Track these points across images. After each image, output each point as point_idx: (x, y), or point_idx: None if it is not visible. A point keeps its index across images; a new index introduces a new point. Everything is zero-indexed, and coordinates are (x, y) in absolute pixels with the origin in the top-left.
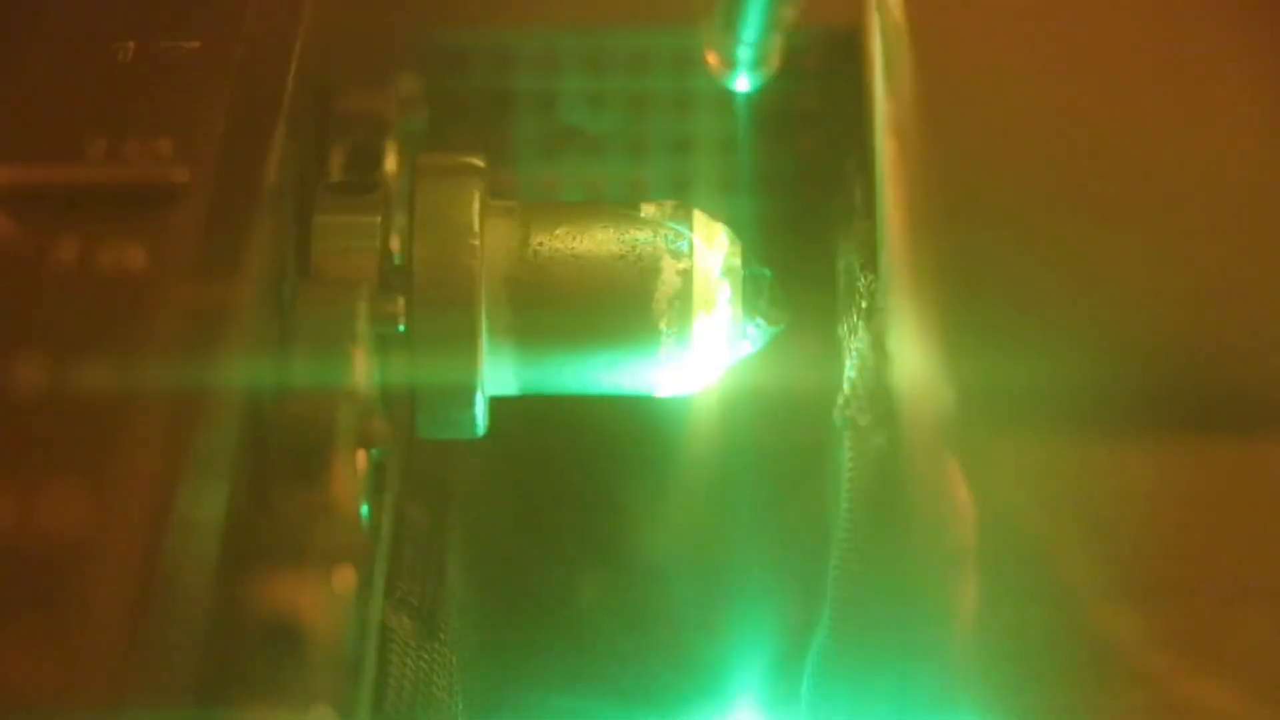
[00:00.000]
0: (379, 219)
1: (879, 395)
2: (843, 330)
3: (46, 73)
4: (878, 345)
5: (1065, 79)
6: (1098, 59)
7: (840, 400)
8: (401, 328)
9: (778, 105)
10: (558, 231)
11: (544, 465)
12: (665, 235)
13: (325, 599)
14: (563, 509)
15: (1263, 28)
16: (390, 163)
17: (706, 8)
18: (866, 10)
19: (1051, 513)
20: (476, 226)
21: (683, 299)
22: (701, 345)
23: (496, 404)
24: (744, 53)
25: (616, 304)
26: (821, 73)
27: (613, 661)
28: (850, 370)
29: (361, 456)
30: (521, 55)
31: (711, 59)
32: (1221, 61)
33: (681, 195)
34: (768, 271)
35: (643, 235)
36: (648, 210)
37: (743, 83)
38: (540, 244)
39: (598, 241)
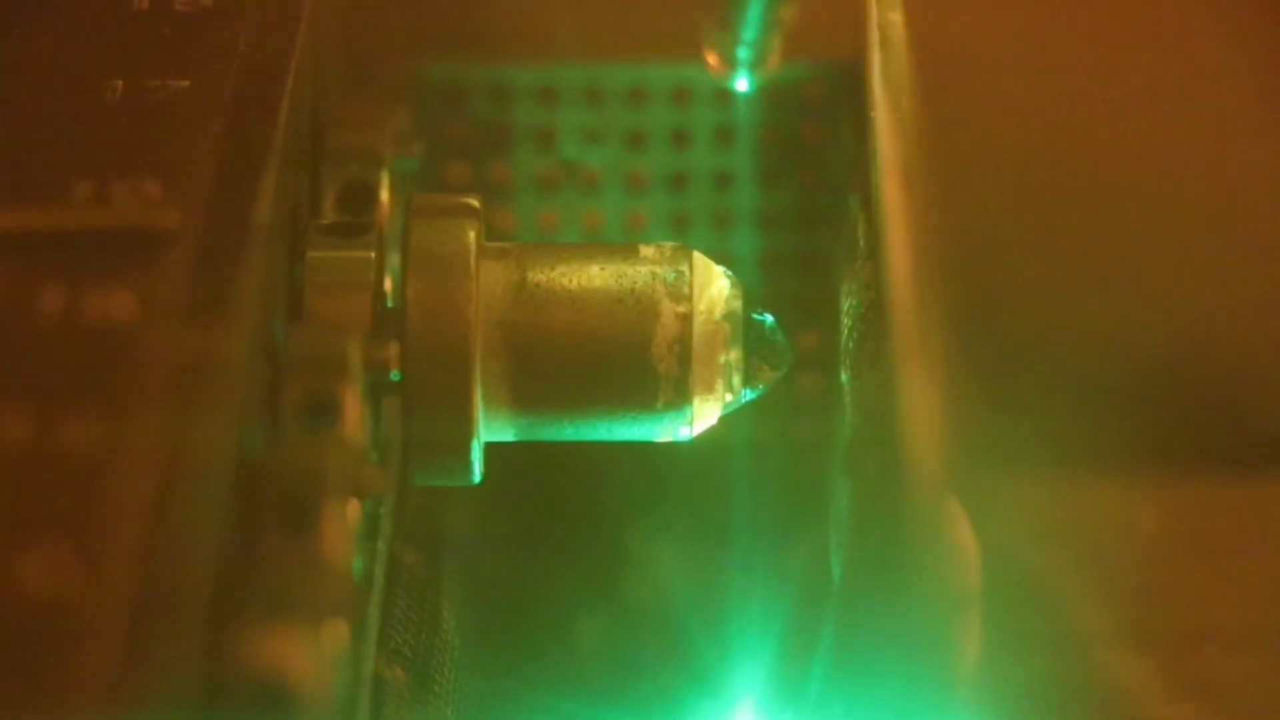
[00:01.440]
0: (372, 258)
1: (882, 438)
2: (845, 372)
3: (31, 112)
4: (881, 387)
5: (1071, 117)
6: (1102, 94)
7: (843, 443)
8: (395, 374)
9: (779, 142)
10: (554, 273)
11: (541, 511)
12: (664, 277)
13: (316, 655)
14: (560, 555)
15: (1263, 29)
16: (384, 201)
17: (706, 7)
18: (869, 46)
19: (1057, 556)
20: (472, 268)
21: (682, 342)
22: (701, 389)
23: (492, 449)
24: (743, 52)
25: (614, 348)
26: (824, 109)
27: (611, 708)
28: (853, 413)
29: (353, 505)
30: (517, 91)
31: (711, 59)
32: (1220, 78)
33: (681, 233)
34: (769, 315)
35: (641, 277)
36: (646, 252)
37: (742, 83)
38: (537, 286)
39: (595, 283)
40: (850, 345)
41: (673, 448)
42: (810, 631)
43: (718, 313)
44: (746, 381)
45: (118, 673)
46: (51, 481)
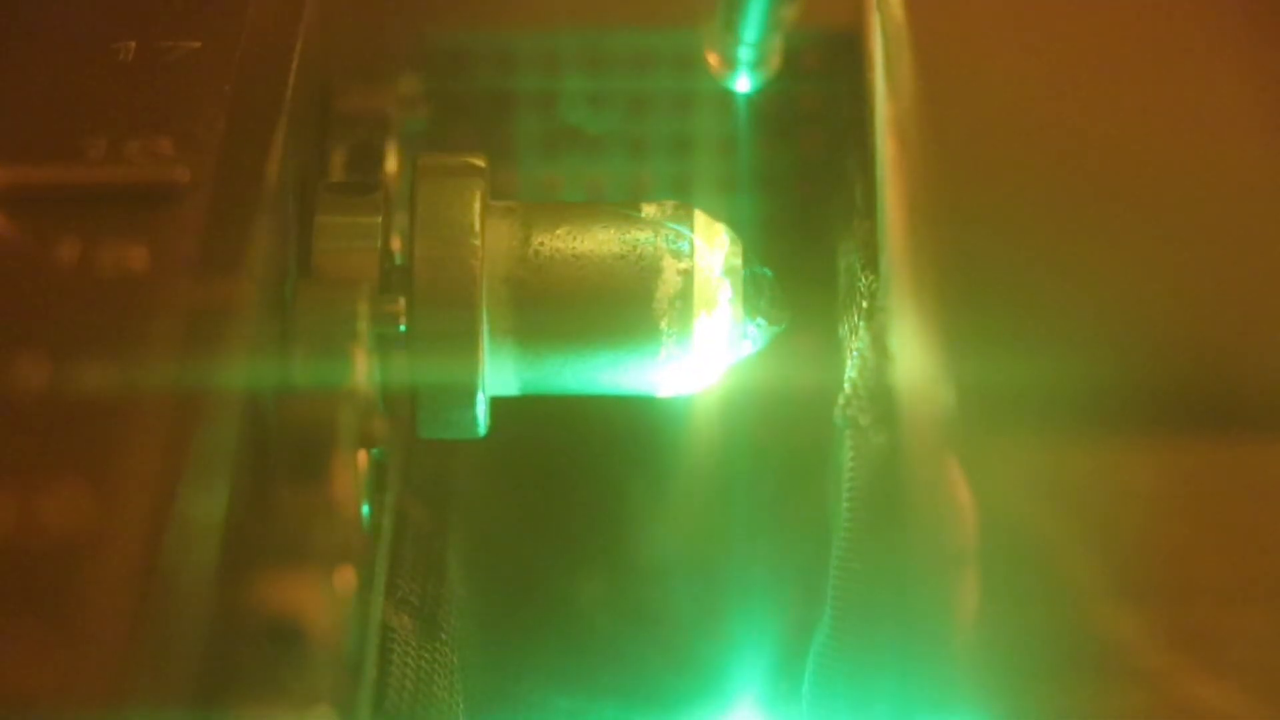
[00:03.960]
0: (380, 219)
1: (880, 395)
2: (843, 330)
3: (47, 72)
4: (878, 345)
5: (1066, 79)
6: (1098, 59)
7: (841, 400)
8: (402, 328)
9: (778, 105)
10: (559, 232)
11: (545, 464)
12: (666, 235)
13: (326, 599)
14: (564, 508)
15: (1263, 28)
16: (391, 162)
17: (707, 7)
18: (867, 10)
19: (1053, 512)
20: (477, 227)
21: (684, 299)
22: (702, 345)
23: (498, 403)
24: (745, 53)
25: (617, 304)
26: (822, 73)
27: (614, 661)
28: (851, 370)
29: (362, 456)
30: (522, 55)
31: (712, 59)
32: (1221, 61)
33: (682, 195)
34: (768, 271)
35: (644, 235)
36: (648, 210)
37: (743, 83)
38: (541, 244)
39: (599, 242)
40: (848, 303)
41: (675, 403)
42: (809, 587)
43: (718, 269)
44: (746, 337)
45: (133, 613)
46: (68, 428)
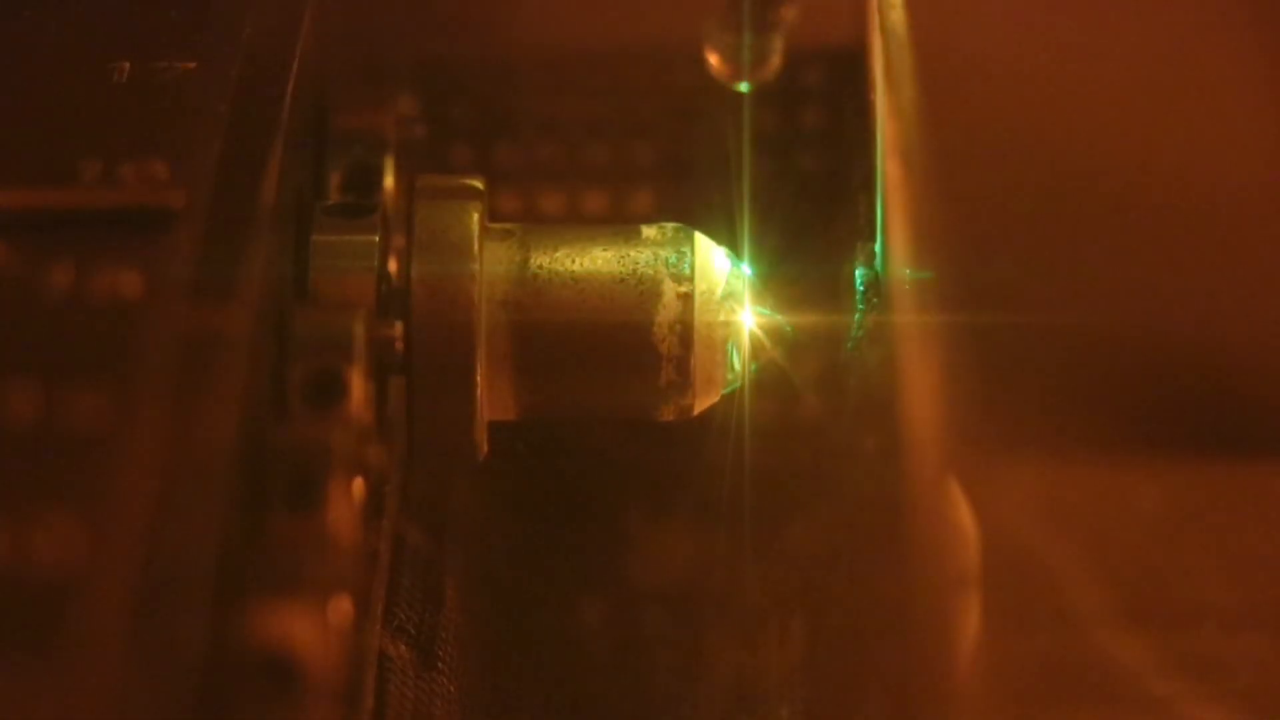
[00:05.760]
0: (377, 239)
1: (882, 417)
2: (846, 352)
3: (40, 94)
4: (881, 366)
5: (1069, 98)
6: (1101, 78)
7: (843, 422)
8: (399, 351)
9: (781, 125)
10: (557, 254)
11: (544, 489)
12: (666, 258)
13: (321, 630)
14: (563, 534)
15: (1263, 28)
16: (389, 183)
17: (708, 15)
18: (870, 30)
19: (1055, 535)
20: (475, 249)
21: (683, 322)
22: (702, 368)
23: (496, 427)
24: (745, 52)
25: (617, 327)
26: (825, 92)
27: (614, 688)
28: (853, 391)
29: (358, 483)
30: (521, 75)
31: (713, 59)
32: (1222, 67)
33: (682, 217)
34: (769, 293)
35: (643, 258)
36: (648, 232)
37: (744, 83)
38: (540, 267)
39: (598, 264)
40: (850, 323)
41: (675, 427)
42: (811, 610)
43: (719, 292)
44: (747, 359)
45: (124, 646)
46: (60, 457)
